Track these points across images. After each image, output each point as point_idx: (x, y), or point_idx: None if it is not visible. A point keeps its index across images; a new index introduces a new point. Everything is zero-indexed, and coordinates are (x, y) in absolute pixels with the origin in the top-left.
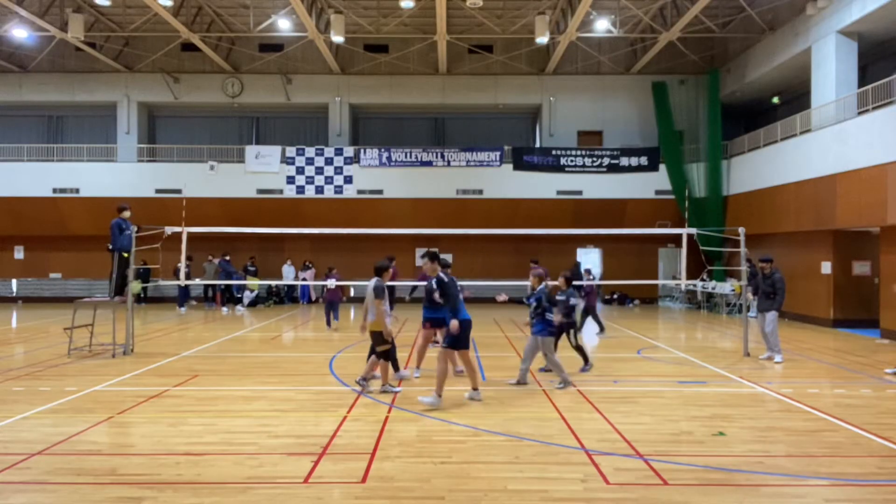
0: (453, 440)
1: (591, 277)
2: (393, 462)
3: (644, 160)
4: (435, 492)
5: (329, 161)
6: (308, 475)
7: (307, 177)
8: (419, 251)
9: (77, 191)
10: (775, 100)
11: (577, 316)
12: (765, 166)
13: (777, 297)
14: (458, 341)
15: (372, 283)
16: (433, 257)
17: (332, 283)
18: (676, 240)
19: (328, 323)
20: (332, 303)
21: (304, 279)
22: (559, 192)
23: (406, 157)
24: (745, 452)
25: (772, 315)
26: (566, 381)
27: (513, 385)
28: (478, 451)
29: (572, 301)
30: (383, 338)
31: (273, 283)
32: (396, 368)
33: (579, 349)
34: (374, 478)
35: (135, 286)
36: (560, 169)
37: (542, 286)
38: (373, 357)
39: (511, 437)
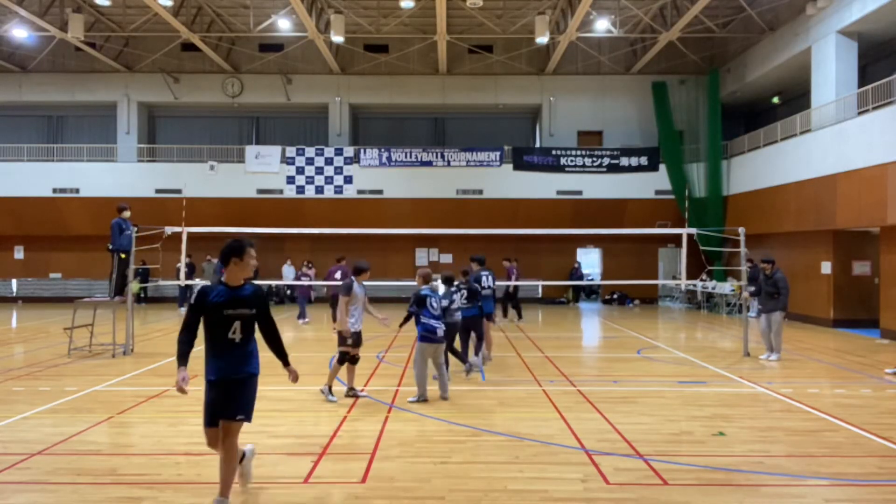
0: (453, 440)
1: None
2: (393, 462)
3: (644, 160)
4: (435, 492)
5: (329, 161)
6: (308, 475)
7: (307, 177)
8: (419, 251)
9: (77, 191)
10: (775, 100)
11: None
12: (765, 166)
13: (781, 297)
14: None
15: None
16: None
17: (339, 274)
18: (676, 240)
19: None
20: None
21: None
22: (559, 192)
23: (406, 157)
24: (745, 452)
25: (777, 315)
26: (420, 396)
27: (413, 402)
28: (478, 451)
29: (444, 303)
30: (343, 340)
31: (273, 283)
32: (465, 360)
33: (454, 351)
34: (374, 478)
35: (133, 286)
36: (560, 169)
37: (425, 287)
38: (346, 363)
39: (511, 437)
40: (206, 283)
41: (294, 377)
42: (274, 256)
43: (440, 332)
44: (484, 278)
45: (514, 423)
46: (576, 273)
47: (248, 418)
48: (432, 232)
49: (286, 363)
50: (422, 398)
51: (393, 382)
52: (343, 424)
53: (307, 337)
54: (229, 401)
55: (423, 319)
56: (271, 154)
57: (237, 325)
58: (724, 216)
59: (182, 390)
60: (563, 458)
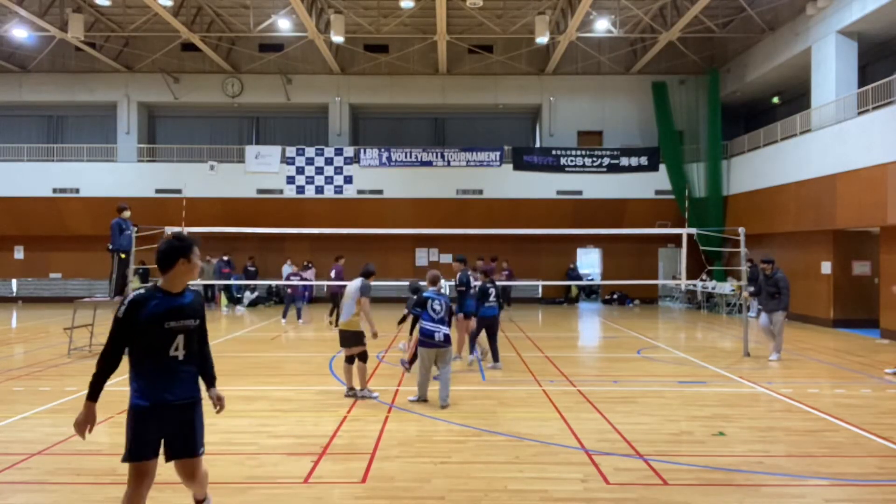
0: (453, 440)
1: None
2: (393, 462)
3: (644, 160)
4: (435, 492)
5: (329, 161)
6: (308, 475)
7: (307, 177)
8: (419, 251)
9: (77, 191)
10: (775, 100)
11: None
12: (765, 166)
13: (782, 297)
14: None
15: (357, 282)
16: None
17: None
18: (676, 240)
19: (331, 314)
20: (336, 295)
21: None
22: (559, 192)
23: (406, 157)
24: (745, 452)
25: (779, 315)
26: (420, 396)
27: (413, 401)
28: (478, 451)
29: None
30: (360, 339)
31: (273, 282)
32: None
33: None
34: (374, 478)
35: (134, 283)
36: (560, 169)
37: (431, 289)
38: (357, 362)
39: (511, 437)
40: (207, 282)
41: (219, 403)
42: (274, 256)
43: (438, 337)
44: (472, 279)
45: (514, 423)
46: (573, 273)
47: (204, 447)
48: (432, 232)
49: (211, 385)
50: (421, 398)
51: (393, 382)
52: (343, 424)
53: (307, 337)
54: (183, 434)
55: (422, 323)
56: (271, 154)
57: (180, 339)
58: (724, 216)
59: (83, 434)
60: (563, 458)
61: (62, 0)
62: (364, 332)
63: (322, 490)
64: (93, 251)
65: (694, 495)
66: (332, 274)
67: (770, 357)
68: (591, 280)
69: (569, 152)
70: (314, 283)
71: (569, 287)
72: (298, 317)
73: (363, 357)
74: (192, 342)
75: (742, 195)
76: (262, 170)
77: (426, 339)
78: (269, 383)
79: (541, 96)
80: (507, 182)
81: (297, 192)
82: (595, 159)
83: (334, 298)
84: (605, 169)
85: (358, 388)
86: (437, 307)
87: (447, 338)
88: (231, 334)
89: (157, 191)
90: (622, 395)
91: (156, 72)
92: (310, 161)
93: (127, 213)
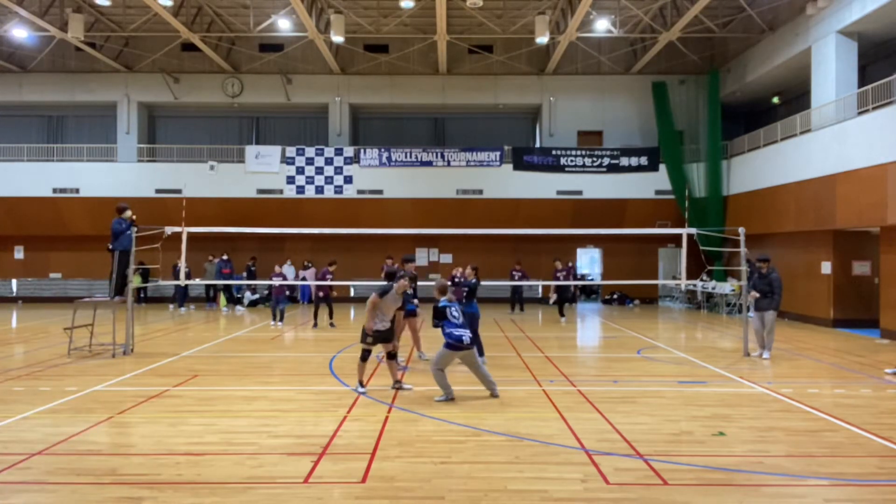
0: (453, 440)
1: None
2: (393, 462)
3: (644, 160)
4: (435, 492)
5: (329, 161)
6: (308, 475)
7: (307, 177)
8: (419, 251)
9: (77, 191)
10: (775, 100)
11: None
12: (765, 166)
13: (775, 297)
14: None
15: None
16: None
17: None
18: (676, 240)
19: (315, 316)
20: (326, 297)
21: (303, 279)
22: (559, 192)
23: (406, 157)
24: (745, 452)
25: (770, 315)
26: (447, 396)
27: (441, 401)
28: (478, 451)
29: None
30: (388, 337)
31: (269, 282)
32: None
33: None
34: (374, 478)
35: (136, 280)
36: (560, 169)
37: (443, 298)
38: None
39: (511, 437)
40: (207, 282)
41: None
42: (274, 256)
43: (466, 339)
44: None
45: (514, 423)
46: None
47: None
48: (432, 232)
49: None
50: (449, 398)
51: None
52: (343, 424)
53: (307, 337)
54: None
55: (448, 329)
56: (271, 154)
57: None
58: (724, 216)
59: None
60: (563, 458)
61: (62, 0)
62: (393, 330)
63: (322, 490)
64: (93, 251)
65: (694, 495)
66: (327, 277)
67: (757, 354)
68: (591, 280)
69: (569, 152)
70: (298, 283)
71: (567, 287)
72: (275, 318)
73: (391, 355)
74: None
75: (742, 195)
76: (262, 170)
77: (455, 344)
78: (269, 383)
79: (541, 96)
80: (507, 182)
81: (297, 192)
82: (595, 159)
83: (326, 300)
84: (605, 169)
85: (393, 380)
86: (455, 313)
87: (472, 340)
88: (231, 334)
89: (157, 191)
90: (622, 395)
91: (156, 72)
92: (310, 161)
93: (128, 213)
